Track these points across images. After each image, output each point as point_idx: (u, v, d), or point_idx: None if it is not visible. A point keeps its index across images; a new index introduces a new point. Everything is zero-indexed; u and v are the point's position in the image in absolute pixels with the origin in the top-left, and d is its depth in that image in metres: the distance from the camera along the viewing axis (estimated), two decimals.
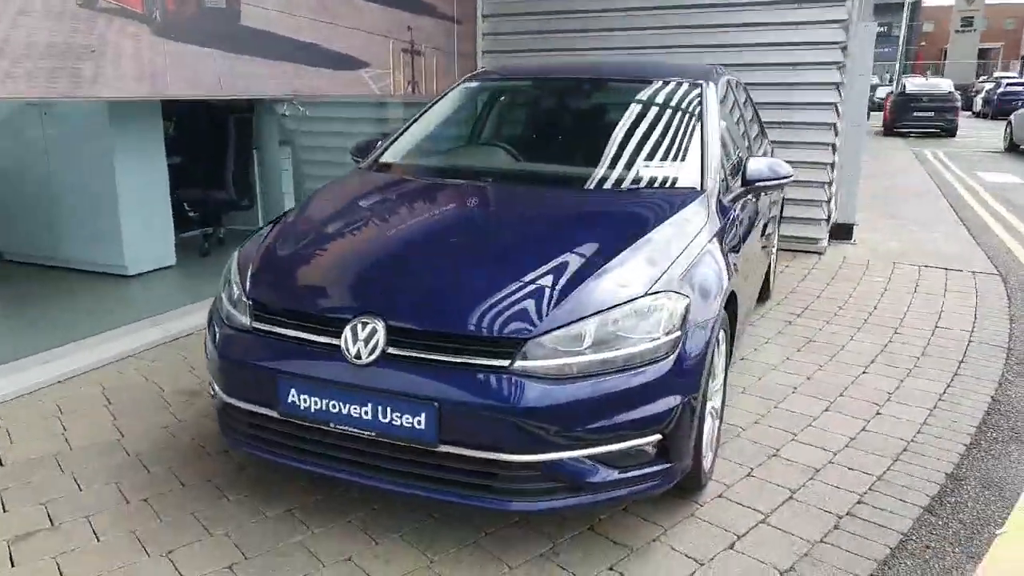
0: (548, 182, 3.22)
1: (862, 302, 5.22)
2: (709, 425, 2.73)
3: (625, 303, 2.31)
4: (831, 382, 3.83)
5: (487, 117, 3.81)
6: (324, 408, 2.30)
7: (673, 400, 2.31)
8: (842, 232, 7.23)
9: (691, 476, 2.58)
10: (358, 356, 2.26)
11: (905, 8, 34.61)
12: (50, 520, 2.54)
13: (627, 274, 2.41)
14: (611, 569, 2.35)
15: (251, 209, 6.36)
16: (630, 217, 2.78)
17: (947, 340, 4.47)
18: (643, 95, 3.61)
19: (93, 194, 5.19)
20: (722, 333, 2.77)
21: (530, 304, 2.28)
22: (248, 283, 2.59)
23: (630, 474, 2.31)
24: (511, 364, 2.19)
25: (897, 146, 18.19)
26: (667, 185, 3.06)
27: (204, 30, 4.35)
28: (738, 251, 3.08)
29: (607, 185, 3.09)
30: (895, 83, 28.25)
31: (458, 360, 2.21)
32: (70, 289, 5.04)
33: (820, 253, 6.68)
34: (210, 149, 5.76)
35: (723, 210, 3.05)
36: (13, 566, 2.32)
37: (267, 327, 2.46)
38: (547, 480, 2.23)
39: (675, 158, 3.19)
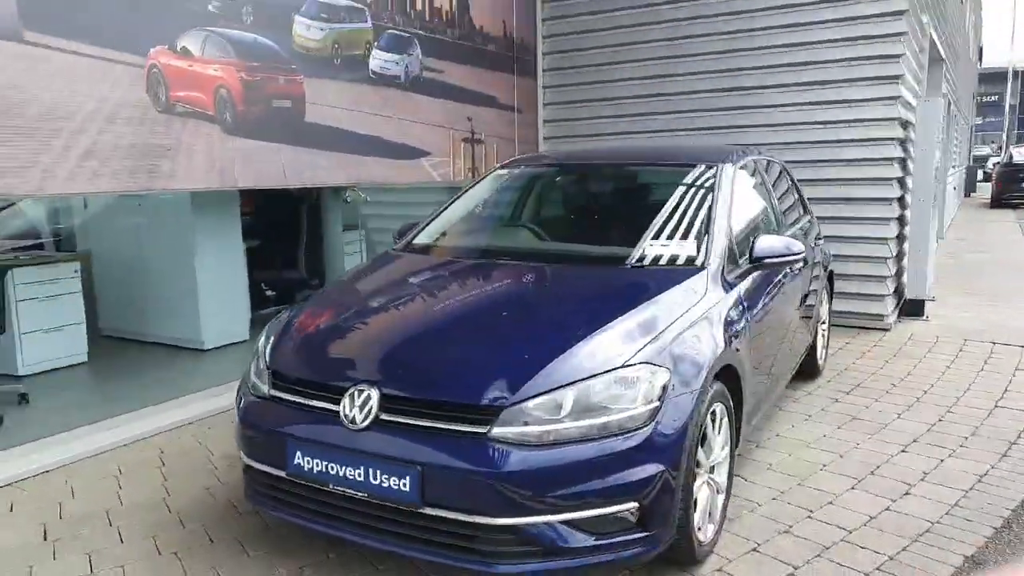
0: (557, 260, 3.39)
1: (920, 380, 5.06)
2: (705, 496, 2.76)
3: (603, 373, 2.43)
4: (864, 460, 3.75)
5: (513, 200, 4.05)
6: (324, 470, 2.50)
7: (650, 469, 2.38)
8: (913, 308, 7.03)
9: (682, 548, 2.61)
10: (353, 421, 2.46)
11: (1009, 76, 33.49)
12: (90, 568, 2.81)
13: (609, 346, 2.53)
14: None
15: (321, 287, 6.81)
16: (624, 293, 2.92)
17: (1005, 420, 4.28)
18: (660, 178, 3.79)
19: (176, 276, 5.72)
20: (720, 407, 2.83)
21: (509, 374, 2.43)
22: (268, 354, 2.87)
23: (607, 541, 2.38)
24: (488, 431, 2.33)
25: (1004, 218, 17.40)
26: (670, 262, 3.18)
27: (270, 128, 4.84)
28: (747, 325, 3.14)
29: (612, 263, 3.25)
30: (1003, 152, 27.20)
31: (440, 426, 2.38)
32: (149, 362, 5.52)
33: (885, 330, 6.50)
34: (285, 233, 6.27)
35: (728, 285, 3.14)
36: None
37: (281, 394, 2.71)
38: (523, 544, 2.33)
39: (681, 236, 3.31)
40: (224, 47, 4.55)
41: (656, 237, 3.36)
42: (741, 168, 3.82)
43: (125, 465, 3.75)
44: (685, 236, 3.32)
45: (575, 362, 2.46)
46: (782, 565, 2.80)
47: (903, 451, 3.87)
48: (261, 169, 4.80)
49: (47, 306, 5.16)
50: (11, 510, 3.29)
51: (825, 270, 4.95)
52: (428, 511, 2.36)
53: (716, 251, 3.19)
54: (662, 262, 3.19)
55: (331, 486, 2.49)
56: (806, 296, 4.52)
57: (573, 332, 2.58)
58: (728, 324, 2.97)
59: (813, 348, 4.91)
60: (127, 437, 4.04)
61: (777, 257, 3.31)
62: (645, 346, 2.55)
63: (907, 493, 3.40)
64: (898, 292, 7.03)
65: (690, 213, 3.44)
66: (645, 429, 2.40)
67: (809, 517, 3.18)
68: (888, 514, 3.20)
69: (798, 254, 3.33)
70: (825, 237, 6.42)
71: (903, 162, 6.65)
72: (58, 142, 3.72)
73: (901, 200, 6.76)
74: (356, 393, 2.50)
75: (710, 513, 2.86)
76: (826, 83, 6.42)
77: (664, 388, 2.47)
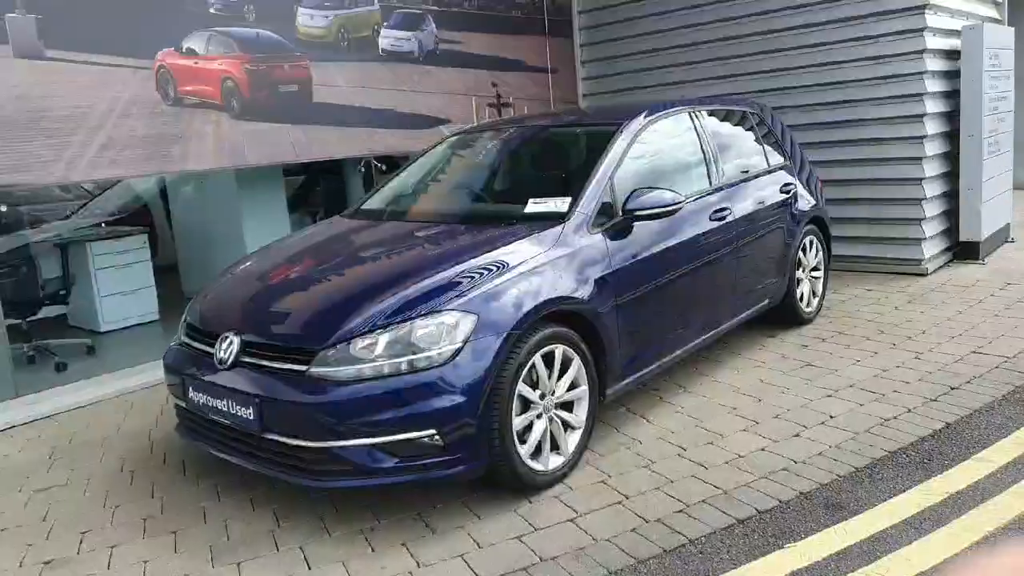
0: (447, 220, 3.71)
1: (916, 327, 4.89)
2: (541, 430, 3.06)
3: (414, 318, 2.80)
4: (779, 404, 3.82)
5: (443, 166, 4.38)
6: (205, 402, 3.06)
7: (446, 401, 2.73)
8: (967, 252, 6.59)
9: (507, 475, 2.94)
10: (222, 362, 3.00)
11: None
12: (67, 480, 3.57)
13: (424, 295, 2.88)
14: (403, 545, 2.80)
15: None
16: (470, 246, 3.22)
17: (970, 367, 4.12)
18: (571, 138, 4.02)
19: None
20: (560, 349, 3.09)
21: (331, 320, 2.86)
22: (188, 308, 3.47)
23: (412, 463, 2.77)
24: (307, 369, 2.78)
25: None
26: (538, 217, 3.43)
27: (278, 110, 5.45)
28: (618, 274, 3.35)
29: (486, 219, 3.56)
30: None
31: (275, 365, 2.86)
32: None
33: (921, 275, 6.19)
34: (315, 202, 6.97)
35: (597, 237, 3.35)
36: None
37: (188, 340, 3.30)
38: (338, 463, 2.77)
39: (562, 192, 3.53)
40: (228, 43, 5.18)
41: (541, 194, 3.59)
42: (652, 123, 3.94)
43: (138, 403, 4.56)
44: (565, 192, 3.53)
45: (390, 309, 2.85)
46: (617, 494, 3.05)
47: (828, 396, 3.89)
48: (270, 148, 5.44)
49: (122, 273, 6.14)
50: (39, 437, 4.16)
51: (795, 217, 4.85)
52: (268, 436, 2.85)
53: (582, 206, 3.40)
54: (530, 217, 3.44)
55: (210, 415, 3.05)
56: (766, 245, 4.54)
57: (399, 283, 2.96)
58: (579, 272, 3.21)
59: (790, 296, 4.89)
60: (152, 380, 4.85)
61: (646, 209, 3.44)
62: (458, 295, 2.87)
63: (796, 435, 3.47)
64: (951, 235, 6.62)
65: (578, 170, 3.65)
66: (445, 367, 2.75)
67: (679, 455, 3.36)
68: (758, 454, 3.31)
69: (665, 206, 3.45)
70: (858, 180, 6.23)
71: (948, 96, 6.24)
72: (77, 138, 4.50)
73: (949, 136, 6.35)
74: (223, 338, 3.03)
75: (558, 446, 3.16)
76: (847, 20, 6.13)
77: (469, 332, 2.80)
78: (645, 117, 3.92)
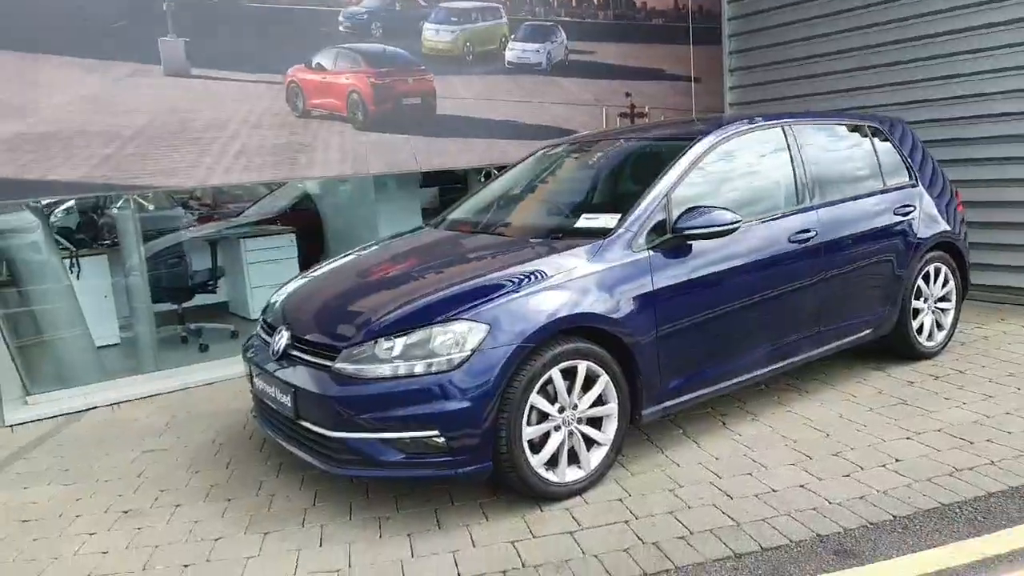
0: (498, 232, 3.84)
1: None
2: (557, 442, 3.09)
3: (427, 325, 2.96)
4: (843, 442, 3.54)
5: (523, 179, 4.44)
6: (262, 388, 3.41)
7: (451, 405, 2.86)
8: None
9: (516, 481, 3.02)
10: (274, 352, 3.33)
11: None
12: (172, 445, 4.10)
13: (442, 303, 3.03)
14: (407, 536, 2.97)
15: None
16: (507, 258, 3.33)
17: None
18: (646, 152, 4.01)
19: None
20: (583, 364, 3.10)
21: (358, 321, 3.10)
22: (267, 302, 3.86)
23: (417, 460, 2.93)
24: (332, 365, 3.03)
25: None
26: (585, 233, 3.44)
27: (401, 122, 5.82)
28: (659, 293, 3.30)
29: (540, 233, 3.63)
30: None
31: (310, 359, 3.14)
32: None
33: None
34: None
35: (644, 254, 3.33)
36: None
37: (259, 331, 3.68)
38: (351, 453, 2.98)
39: (618, 208, 3.51)
40: (355, 59, 5.63)
41: (603, 208, 3.62)
42: (728, 139, 3.81)
43: None
44: (624, 207, 3.50)
45: (409, 314, 3.02)
46: (628, 514, 3.01)
47: (907, 438, 3.55)
48: (392, 157, 5.82)
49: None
50: (167, 406, 4.79)
51: (911, 242, 4.41)
52: (300, 422, 3.14)
53: (629, 223, 3.37)
54: (580, 231, 3.47)
55: (265, 400, 3.40)
56: (868, 271, 4.21)
57: (429, 290, 3.14)
58: (612, 290, 3.19)
59: (902, 328, 4.47)
60: None
61: (698, 228, 3.33)
62: (473, 305, 2.99)
63: (846, 475, 3.22)
64: None
65: (639, 185, 3.61)
66: (452, 373, 2.88)
67: (711, 483, 3.24)
68: (794, 490, 3.12)
69: (720, 225, 3.33)
70: None
71: None
72: (216, 146, 5.12)
73: None
74: (279, 331, 3.36)
75: (579, 460, 3.17)
76: (1015, 22, 5.46)
77: (479, 341, 2.91)
78: (718, 133, 3.79)
